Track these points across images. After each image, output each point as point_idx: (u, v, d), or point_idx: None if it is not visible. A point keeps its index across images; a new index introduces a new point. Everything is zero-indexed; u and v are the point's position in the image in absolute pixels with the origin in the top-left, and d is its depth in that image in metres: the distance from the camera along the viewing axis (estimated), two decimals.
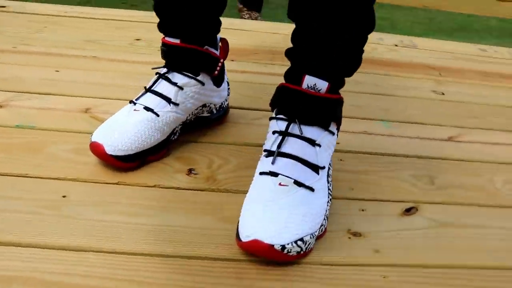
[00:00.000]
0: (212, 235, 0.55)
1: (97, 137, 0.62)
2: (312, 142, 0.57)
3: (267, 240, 0.49)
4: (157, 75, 0.68)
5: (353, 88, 0.89)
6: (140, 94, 0.67)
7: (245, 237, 0.50)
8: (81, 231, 0.53)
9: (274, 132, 0.58)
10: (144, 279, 0.48)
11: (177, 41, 0.67)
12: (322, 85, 0.57)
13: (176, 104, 0.66)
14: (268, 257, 0.51)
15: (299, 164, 0.56)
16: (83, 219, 0.55)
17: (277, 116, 0.59)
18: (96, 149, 0.61)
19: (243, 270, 0.51)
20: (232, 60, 0.96)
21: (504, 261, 0.57)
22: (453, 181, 0.70)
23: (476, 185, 0.70)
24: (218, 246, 0.54)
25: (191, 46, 0.67)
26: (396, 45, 1.19)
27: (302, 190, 0.55)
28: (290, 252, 0.51)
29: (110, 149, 0.61)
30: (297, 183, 0.55)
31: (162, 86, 0.67)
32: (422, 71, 1.06)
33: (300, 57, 0.59)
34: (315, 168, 0.57)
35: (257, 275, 0.51)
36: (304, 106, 0.57)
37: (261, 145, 0.60)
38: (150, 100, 0.66)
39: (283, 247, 0.50)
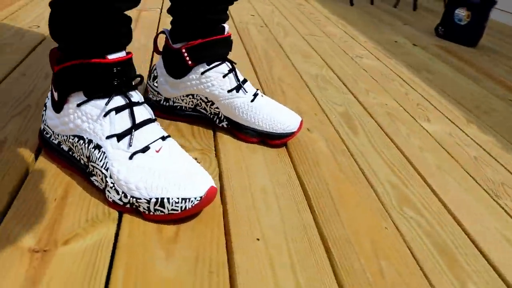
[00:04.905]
0: None
1: (202, 183, 0.55)
2: None
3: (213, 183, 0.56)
4: (115, 109, 0.56)
5: None
6: (129, 139, 0.56)
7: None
8: None
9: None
10: None
11: (123, 54, 0.57)
12: None
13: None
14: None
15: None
16: None
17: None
18: (213, 192, 0.56)
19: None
20: None
21: None
22: None
23: None
24: None
25: (130, 54, 0.59)
26: None
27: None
28: None
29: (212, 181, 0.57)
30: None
31: (143, 112, 0.58)
32: None
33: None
34: None
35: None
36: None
37: None
38: (151, 130, 0.58)
39: None
